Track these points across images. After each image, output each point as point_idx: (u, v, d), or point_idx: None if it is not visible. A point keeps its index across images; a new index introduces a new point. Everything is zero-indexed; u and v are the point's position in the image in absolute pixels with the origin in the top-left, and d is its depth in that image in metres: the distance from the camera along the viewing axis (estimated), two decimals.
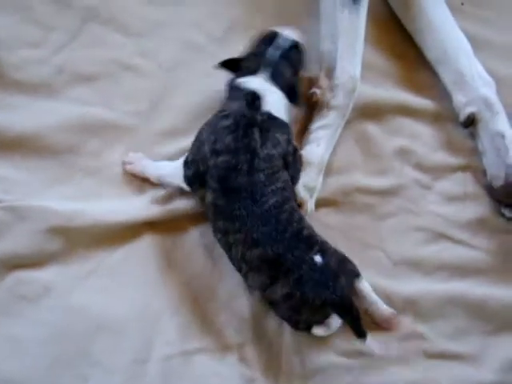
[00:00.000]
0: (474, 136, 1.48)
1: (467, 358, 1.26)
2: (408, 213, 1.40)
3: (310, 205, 1.32)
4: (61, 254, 1.23)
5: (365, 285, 1.23)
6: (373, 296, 1.23)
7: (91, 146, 1.35)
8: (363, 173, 1.42)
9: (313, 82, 1.44)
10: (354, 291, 1.21)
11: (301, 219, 1.22)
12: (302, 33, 1.37)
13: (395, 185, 1.42)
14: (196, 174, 1.24)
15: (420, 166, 1.45)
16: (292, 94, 1.33)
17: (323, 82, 1.42)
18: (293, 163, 1.29)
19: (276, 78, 1.31)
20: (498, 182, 1.40)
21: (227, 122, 1.24)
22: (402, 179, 1.43)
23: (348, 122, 1.43)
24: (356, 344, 1.20)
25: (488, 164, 1.44)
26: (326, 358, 1.22)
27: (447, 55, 1.52)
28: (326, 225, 1.32)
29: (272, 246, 1.17)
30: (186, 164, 1.26)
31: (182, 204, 1.31)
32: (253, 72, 1.31)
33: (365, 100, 1.46)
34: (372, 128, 1.47)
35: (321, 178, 1.36)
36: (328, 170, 1.38)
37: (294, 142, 1.32)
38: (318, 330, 1.19)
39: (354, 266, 1.22)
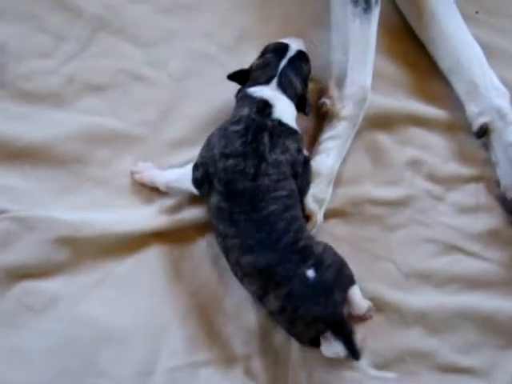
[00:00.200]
0: (487, 146, 1.47)
1: (478, 372, 1.26)
2: (419, 224, 1.38)
3: (318, 216, 1.31)
4: (68, 264, 1.23)
5: (355, 291, 1.19)
6: (362, 303, 1.20)
7: (100, 155, 1.34)
8: (373, 183, 1.40)
9: (323, 92, 1.42)
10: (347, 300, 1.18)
11: (300, 229, 1.20)
12: (310, 43, 1.37)
13: (406, 195, 1.41)
14: (204, 176, 1.24)
15: (432, 177, 1.44)
16: (302, 103, 1.33)
17: (333, 92, 1.41)
18: (303, 173, 1.28)
19: (285, 88, 1.31)
20: None
21: (238, 127, 1.25)
22: (413, 190, 1.41)
23: (358, 132, 1.42)
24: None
25: (501, 175, 1.43)
26: (334, 373, 1.20)
27: (460, 65, 1.50)
28: (334, 236, 1.31)
29: (264, 255, 1.16)
30: (195, 167, 1.26)
31: (190, 214, 1.30)
32: (262, 82, 1.31)
33: (376, 110, 1.45)
34: (383, 138, 1.45)
35: (330, 190, 1.35)
36: (338, 181, 1.37)
37: (306, 152, 1.31)
38: (327, 352, 1.17)
39: (351, 272, 1.20)
